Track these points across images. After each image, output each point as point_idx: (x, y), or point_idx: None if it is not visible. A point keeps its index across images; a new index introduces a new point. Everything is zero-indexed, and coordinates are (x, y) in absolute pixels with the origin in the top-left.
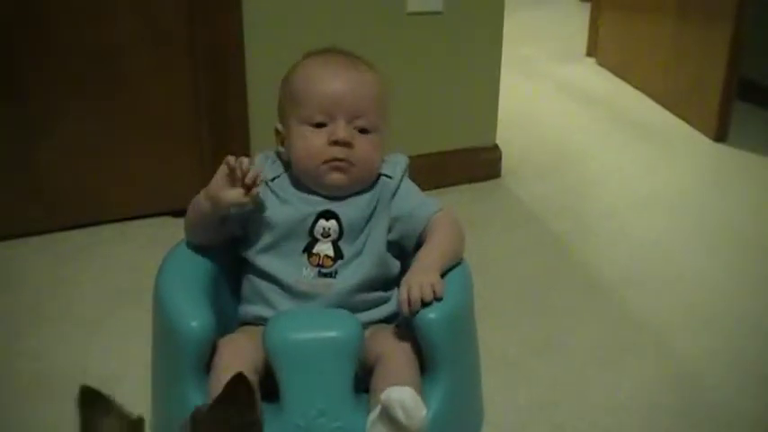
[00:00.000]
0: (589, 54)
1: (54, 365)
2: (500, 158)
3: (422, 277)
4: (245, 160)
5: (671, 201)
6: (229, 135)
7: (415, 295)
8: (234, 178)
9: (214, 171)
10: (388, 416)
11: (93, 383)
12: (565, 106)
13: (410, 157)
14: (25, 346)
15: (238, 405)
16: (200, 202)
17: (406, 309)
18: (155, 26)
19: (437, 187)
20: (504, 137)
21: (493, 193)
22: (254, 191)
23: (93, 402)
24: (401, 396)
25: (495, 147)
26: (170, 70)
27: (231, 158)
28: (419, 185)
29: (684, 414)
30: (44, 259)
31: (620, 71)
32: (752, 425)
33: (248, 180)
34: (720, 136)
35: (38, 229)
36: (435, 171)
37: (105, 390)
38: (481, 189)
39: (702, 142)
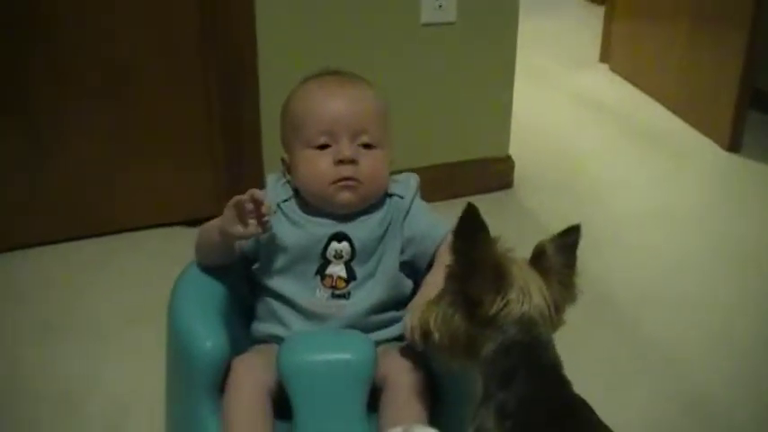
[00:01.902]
0: (602, 60)
1: (69, 382)
2: (512, 169)
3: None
4: (256, 192)
5: (683, 213)
6: (243, 145)
7: (416, 322)
8: (244, 214)
9: (227, 181)
10: None
11: (109, 400)
12: (577, 115)
13: (422, 168)
14: (40, 361)
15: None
16: (211, 234)
17: (409, 335)
18: (167, 40)
19: (449, 198)
20: (517, 146)
21: (505, 203)
22: (268, 221)
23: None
24: None
25: (508, 157)
26: (183, 83)
27: (240, 197)
28: (431, 196)
29: None
30: (57, 270)
31: (634, 78)
32: None
33: (264, 210)
34: (734, 146)
35: (50, 239)
36: (448, 181)
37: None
38: (493, 200)
39: (715, 152)
